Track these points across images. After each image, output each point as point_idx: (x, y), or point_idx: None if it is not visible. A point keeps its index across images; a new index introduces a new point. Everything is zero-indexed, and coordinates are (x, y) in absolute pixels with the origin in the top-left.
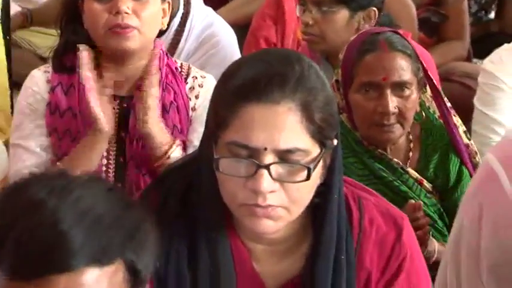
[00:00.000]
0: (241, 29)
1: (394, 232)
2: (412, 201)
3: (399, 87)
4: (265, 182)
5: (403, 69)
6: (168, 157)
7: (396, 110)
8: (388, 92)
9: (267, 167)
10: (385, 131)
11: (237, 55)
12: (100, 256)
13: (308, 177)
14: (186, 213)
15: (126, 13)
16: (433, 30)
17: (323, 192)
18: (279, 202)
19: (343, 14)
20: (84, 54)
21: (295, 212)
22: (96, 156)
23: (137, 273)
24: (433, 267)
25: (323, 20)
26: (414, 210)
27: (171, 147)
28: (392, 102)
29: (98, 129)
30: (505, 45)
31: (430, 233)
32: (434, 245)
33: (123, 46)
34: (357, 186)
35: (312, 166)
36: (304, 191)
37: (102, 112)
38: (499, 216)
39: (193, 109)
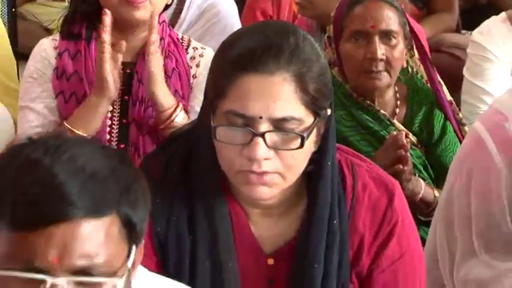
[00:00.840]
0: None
1: (386, 197)
2: (394, 133)
3: (386, 35)
4: (261, 149)
5: (390, 18)
6: (173, 120)
7: (384, 57)
8: (376, 39)
9: (262, 135)
10: (373, 78)
11: (237, 25)
12: (96, 208)
13: (302, 145)
14: (186, 180)
15: None
16: (424, 3)
17: (317, 159)
18: (274, 169)
19: None
20: (108, 19)
21: (290, 178)
22: (98, 118)
23: (132, 226)
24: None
25: None
26: (399, 138)
27: (175, 110)
28: (380, 50)
29: (105, 92)
30: (493, 17)
31: (417, 174)
32: (421, 184)
33: (135, 15)
34: (349, 153)
35: (305, 134)
36: (299, 158)
37: (112, 76)
38: (487, 181)
39: (194, 76)
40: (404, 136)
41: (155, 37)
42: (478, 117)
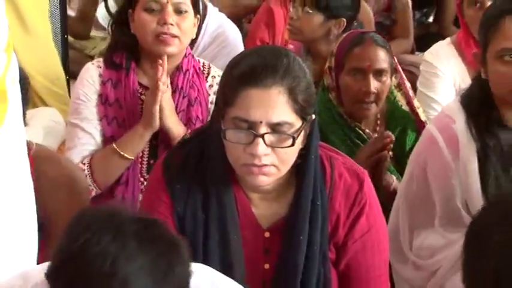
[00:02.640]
0: (241, 19)
1: (357, 184)
2: (388, 132)
3: (379, 73)
4: (261, 147)
5: (382, 59)
6: None
7: (375, 91)
8: (371, 76)
9: (262, 136)
10: (364, 108)
11: (241, 48)
12: None
13: (293, 144)
14: (200, 171)
15: (171, 24)
16: (386, 31)
17: (304, 154)
18: (271, 162)
19: (318, 17)
20: (163, 65)
21: (283, 169)
22: (142, 144)
23: None
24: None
25: (303, 18)
26: (384, 137)
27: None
28: (373, 84)
29: (151, 125)
30: (441, 41)
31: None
32: (393, 178)
33: (166, 51)
34: (329, 149)
35: (296, 135)
36: (290, 154)
37: (160, 108)
38: (439, 169)
39: (212, 103)
40: (391, 136)
41: (165, 78)
42: (431, 120)
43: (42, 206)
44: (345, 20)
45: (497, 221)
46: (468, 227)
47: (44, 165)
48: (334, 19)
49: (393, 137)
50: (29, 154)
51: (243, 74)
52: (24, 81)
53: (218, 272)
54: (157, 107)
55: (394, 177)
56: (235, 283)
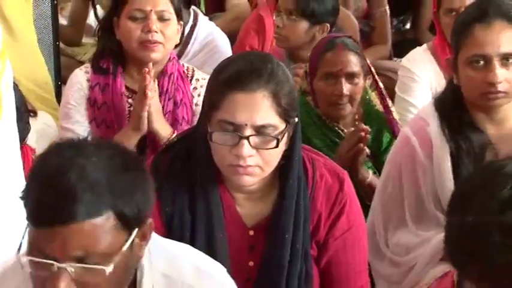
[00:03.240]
0: (233, 36)
1: (338, 184)
2: (362, 125)
3: (350, 76)
4: (246, 148)
5: (354, 63)
6: None
7: (348, 93)
8: (343, 80)
9: (247, 138)
10: (339, 109)
11: (229, 54)
12: (92, 212)
13: (277, 145)
14: (187, 172)
15: (155, 31)
16: (365, 37)
17: (287, 155)
18: (256, 163)
19: (303, 24)
20: (150, 74)
21: (267, 170)
22: (130, 146)
23: (127, 217)
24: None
25: (289, 26)
26: (360, 130)
27: (171, 136)
28: (346, 87)
29: (140, 128)
30: (417, 48)
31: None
32: (369, 172)
33: (151, 57)
34: (311, 150)
35: (279, 137)
36: (274, 155)
37: (149, 111)
38: (413, 170)
39: (196, 104)
40: (362, 127)
41: (152, 85)
42: (407, 123)
43: None
44: (328, 25)
45: (479, 182)
46: (454, 189)
47: None
48: (319, 25)
49: (368, 129)
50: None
51: (229, 79)
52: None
53: (230, 278)
54: (145, 113)
55: (371, 172)
56: (187, 247)
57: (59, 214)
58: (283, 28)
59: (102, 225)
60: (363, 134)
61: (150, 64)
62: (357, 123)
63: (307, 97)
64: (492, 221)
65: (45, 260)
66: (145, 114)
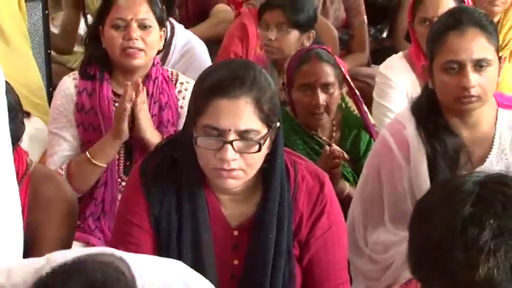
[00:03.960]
0: (214, 43)
1: (318, 185)
2: (327, 147)
3: (326, 86)
4: (229, 153)
5: (328, 74)
6: None
7: (324, 103)
8: (319, 90)
9: (231, 142)
10: (316, 118)
11: (207, 62)
12: None
13: (259, 149)
14: (174, 175)
15: (136, 39)
16: (345, 46)
17: (270, 159)
18: (239, 166)
19: (295, 34)
20: (129, 88)
21: (250, 173)
22: (113, 153)
23: None
24: (346, 203)
25: (281, 37)
26: (333, 151)
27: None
28: (321, 97)
29: (120, 136)
30: (394, 55)
31: (342, 179)
32: (346, 185)
33: (133, 63)
34: (292, 154)
35: (262, 142)
36: (257, 159)
37: (138, 120)
38: (392, 172)
39: (181, 107)
40: (335, 150)
41: (142, 97)
42: (385, 127)
43: (33, 223)
44: (314, 31)
45: (441, 199)
46: (415, 205)
47: (41, 185)
48: (306, 33)
49: (342, 153)
50: (26, 172)
51: (213, 86)
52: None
53: (191, 270)
54: (125, 123)
55: (347, 184)
56: (207, 281)
57: None
58: (275, 40)
59: None
60: (336, 161)
61: (139, 79)
62: (334, 133)
63: (286, 107)
64: (454, 238)
65: None
66: (125, 125)
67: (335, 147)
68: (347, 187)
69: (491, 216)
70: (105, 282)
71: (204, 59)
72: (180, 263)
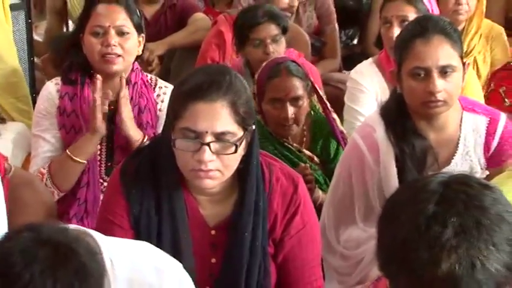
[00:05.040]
0: (192, 50)
1: (292, 186)
2: (302, 164)
3: (295, 100)
4: (207, 154)
5: (297, 88)
6: None
7: (293, 116)
8: (288, 104)
9: (208, 144)
10: (285, 129)
11: None
12: None
13: (235, 151)
14: (153, 177)
15: (114, 45)
16: (317, 52)
17: (246, 160)
18: (216, 167)
19: (284, 38)
20: (99, 82)
21: (226, 174)
22: (92, 148)
23: None
24: (319, 209)
25: (278, 48)
26: (305, 169)
27: (142, 141)
28: (290, 111)
29: (97, 131)
30: (364, 61)
31: (317, 186)
32: (319, 193)
33: (112, 69)
34: (267, 156)
35: (238, 143)
36: (233, 160)
37: (101, 118)
38: (362, 173)
39: (160, 110)
40: (309, 168)
41: (123, 93)
42: (355, 130)
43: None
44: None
45: (407, 199)
46: (383, 204)
47: (20, 190)
48: (286, 35)
49: (313, 157)
50: (5, 177)
51: (191, 90)
52: None
53: (186, 273)
54: (100, 115)
55: (321, 192)
56: (173, 259)
57: None
58: (274, 52)
59: None
60: (310, 177)
61: (123, 74)
62: (305, 139)
63: (257, 116)
64: (419, 236)
65: None
66: (100, 117)
67: (304, 166)
68: (320, 196)
69: (454, 214)
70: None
71: None
72: (147, 243)
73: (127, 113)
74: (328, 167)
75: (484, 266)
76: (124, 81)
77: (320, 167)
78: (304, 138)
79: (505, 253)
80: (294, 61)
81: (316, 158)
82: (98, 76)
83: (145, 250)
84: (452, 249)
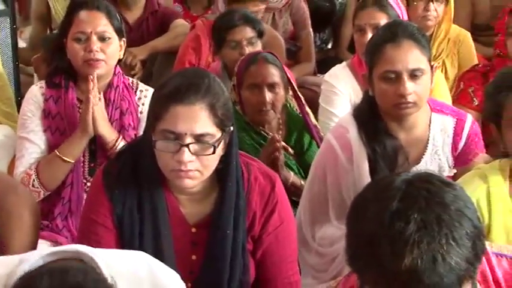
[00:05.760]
0: (173, 55)
1: (270, 185)
2: (274, 135)
3: (272, 86)
4: (186, 155)
5: (274, 74)
6: (116, 148)
7: (270, 101)
8: (266, 90)
9: (187, 145)
10: (263, 115)
11: None
12: None
13: (214, 152)
14: (135, 177)
15: (96, 51)
16: (292, 56)
17: (225, 160)
18: (195, 168)
19: (260, 43)
20: (92, 84)
21: (206, 174)
22: (81, 148)
23: None
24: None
25: (253, 49)
26: (275, 139)
27: (116, 141)
28: (268, 96)
29: (87, 131)
30: (338, 65)
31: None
32: (291, 174)
33: (93, 72)
34: (246, 156)
35: (216, 144)
36: (212, 160)
37: (93, 118)
38: (336, 172)
39: (141, 112)
40: (275, 136)
41: (96, 92)
42: (329, 130)
43: None
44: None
45: (373, 196)
46: (351, 202)
47: (4, 197)
48: (262, 39)
49: (279, 138)
50: None
51: (171, 93)
52: None
53: (153, 258)
54: (90, 116)
55: (292, 173)
56: (169, 268)
57: None
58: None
59: None
60: (276, 144)
61: (95, 73)
62: (281, 131)
63: (236, 106)
64: (383, 231)
65: None
66: (90, 117)
67: (274, 136)
68: (291, 175)
69: (416, 210)
70: (87, 283)
71: None
72: (142, 252)
73: (99, 112)
74: (301, 158)
75: (445, 260)
76: (95, 81)
77: (295, 158)
78: (280, 132)
79: (465, 247)
80: (271, 53)
81: (290, 150)
82: (90, 76)
83: (144, 264)
84: (415, 243)
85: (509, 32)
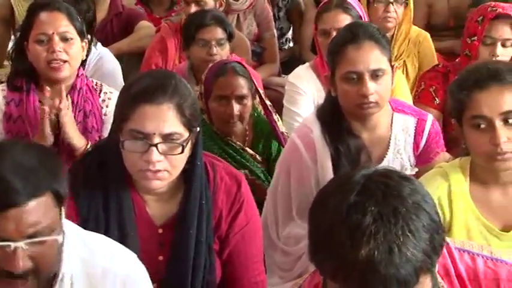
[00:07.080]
0: (137, 56)
1: (236, 185)
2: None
3: (240, 98)
4: (154, 155)
5: (243, 87)
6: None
7: (238, 113)
8: (233, 102)
9: (156, 145)
10: (230, 126)
11: (118, 76)
12: (35, 192)
13: (182, 151)
14: (102, 177)
15: (59, 51)
16: (257, 57)
17: (191, 161)
18: (164, 168)
19: (228, 45)
20: (47, 95)
21: (174, 174)
22: None
23: (60, 196)
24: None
25: (222, 51)
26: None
27: (86, 146)
28: (236, 108)
29: (45, 139)
30: (301, 65)
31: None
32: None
33: (58, 76)
34: (211, 156)
35: (184, 144)
36: (180, 160)
37: (49, 129)
38: (300, 171)
39: (105, 114)
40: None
41: (64, 103)
42: (294, 130)
43: None
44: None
45: (333, 190)
46: (314, 196)
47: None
48: (231, 42)
49: (255, 155)
50: None
51: (138, 93)
52: None
53: (140, 262)
54: (47, 128)
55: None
56: (101, 235)
57: (7, 199)
58: (217, 55)
59: (45, 203)
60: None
61: (63, 87)
62: (247, 138)
63: (203, 115)
64: (341, 223)
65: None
66: (47, 129)
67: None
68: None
69: (373, 203)
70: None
71: (114, 74)
72: (106, 237)
73: (69, 122)
74: (270, 165)
75: (401, 251)
76: (64, 92)
77: (262, 165)
78: (247, 138)
79: (422, 240)
80: (239, 63)
81: (258, 156)
82: (47, 88)
83: (102, 238)
84: (371, 235)
85: (485, 42)
